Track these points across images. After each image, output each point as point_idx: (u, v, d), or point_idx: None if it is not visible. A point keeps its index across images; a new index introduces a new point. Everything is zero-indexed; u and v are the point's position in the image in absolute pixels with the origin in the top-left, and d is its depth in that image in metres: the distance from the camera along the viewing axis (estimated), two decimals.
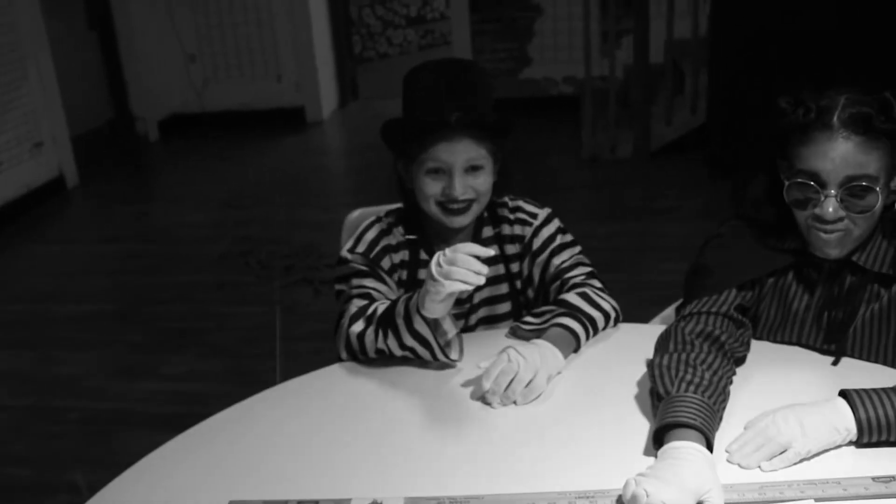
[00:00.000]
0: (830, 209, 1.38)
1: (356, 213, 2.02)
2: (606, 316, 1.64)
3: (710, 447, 1.20)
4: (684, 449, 1.17)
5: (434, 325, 1.51)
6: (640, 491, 1.09)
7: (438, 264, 1.39)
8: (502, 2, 6.36)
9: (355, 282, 1.65)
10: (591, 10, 5.19)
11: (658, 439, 1.23)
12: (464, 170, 1.59)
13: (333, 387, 1.56)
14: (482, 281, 1.37)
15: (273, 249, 4.25)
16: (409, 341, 1.51)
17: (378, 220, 1.73)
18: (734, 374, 1.39)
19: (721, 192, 4.50)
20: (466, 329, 1.77)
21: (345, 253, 1.69)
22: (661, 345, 1.42)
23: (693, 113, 5.29)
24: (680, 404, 1.24)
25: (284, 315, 3.62)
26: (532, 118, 6.21)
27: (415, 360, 1.58)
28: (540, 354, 1.48)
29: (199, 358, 3.31)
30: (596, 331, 1.62)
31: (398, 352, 1.54)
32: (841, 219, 1.39)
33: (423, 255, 1.71)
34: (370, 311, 1.57)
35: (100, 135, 6.22)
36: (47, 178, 5.31)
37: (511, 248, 1.75)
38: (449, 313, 1.52)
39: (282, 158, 5.95)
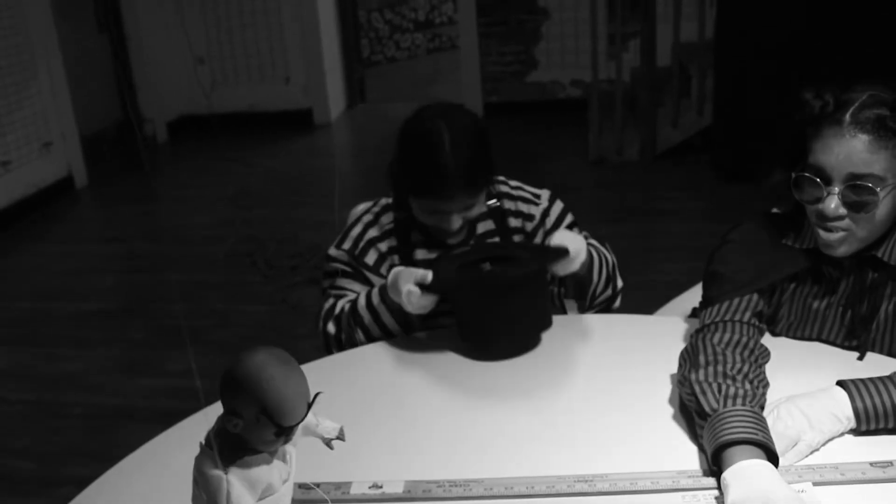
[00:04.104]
0: (832, 206, 1.36)
1: (360, 207, 2.03)
2: (615, 268, 1.75)
3: (773, 459, 1.14)
4: (755, 468, 1.12)
5: (398, 315, 1.63)
6: None
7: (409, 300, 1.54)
8: (509, 5, 6.37)
9: (338, 282, 1.73)
10: (597, 14, 5.19)
11: (716, 458, 1.17)
12: (460, 211, 1.66)
13: (333, 374, 1.57)
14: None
15: (279, 249, 4.26)
16: (376, 332, 1.65)
17: (366, 211, 1.79)
18: (767, 384, 1.34)
19: (726, 193, 4.50)
20: None
21: (331, 250, 1.75)
22: (690, 359, 1.35)
23: (699, 115, 5.29)
24: (732, 420, 1.18)
25: (289, 314, 3.63)
26: (539, 121, 6.23)
27: (413, 349, 1.61)
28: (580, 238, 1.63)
29: (201, 355, 3.32)
30: (607, 264, 1.72)
31: (366, 342, 1.66)
32: (842, 217, 1.37)
33: (417, 237, 1.76)
34: (337, 310, 1.68)
35: (108, 135, 6.24)
36: (56, 178, 5.34)
37: (514, 222, 1.79)
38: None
39: (289, 160, 5.97)
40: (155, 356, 3.32)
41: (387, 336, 1.66)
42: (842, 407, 1.24)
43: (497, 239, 1.78)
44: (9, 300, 3.98)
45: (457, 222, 1.65)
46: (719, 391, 1.25)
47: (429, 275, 1.53)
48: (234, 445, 0.96)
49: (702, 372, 1.30)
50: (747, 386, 1.26)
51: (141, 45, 6.28)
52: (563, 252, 1.54)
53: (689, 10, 5.23)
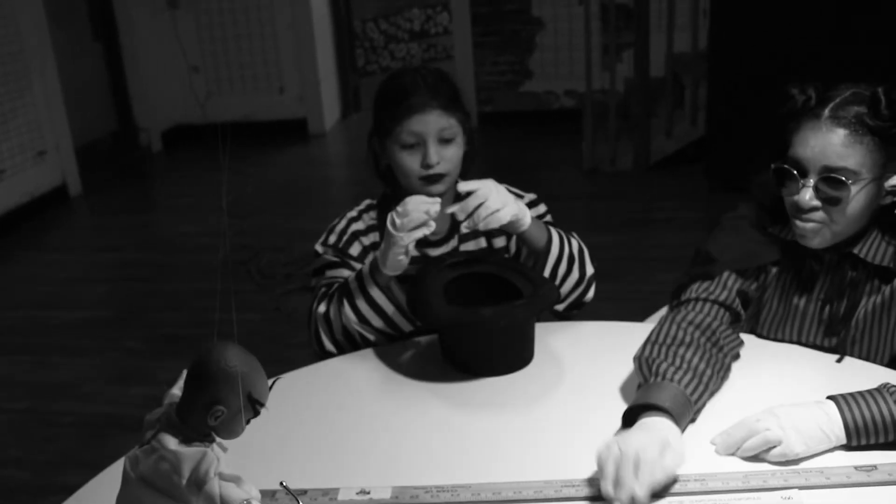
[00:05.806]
0: (806, 197, 1.40)
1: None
2: (582, 252, 1.72)
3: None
4: (655, 420, 1.21)
5: (388, 292, 1.62)
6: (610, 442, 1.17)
7: (392, 222, 1.53)
8: (504, 16, 6.40)
9: (328, 273, 1.74)
10: (591, 24, 5.22)
11: (628, 421, 1.27)
12: (437, 140, 1.65)
13: (321, 381, 1.57)
14: (434, 217, 1.53)
15: (273, 258, 4.26)
16: (364, 307, 1.62)
17: (351, 209, 1.81)
18: (727, 368, 1.39)
19: (720, 203, 4.50)
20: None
21: (317, 246, 1.77)
22: (652, 334, 1.41)
23: (693, 125, 5.31)
24: (656, 389, 1.27)
25: (283, 322, 3.63)
26: (533, 131, 6.25)
27: (401, 355, 1.60)
28: (510, 194, 1.61)
29: None
30: (570, 245, 1.69)
31: (354, 324, 1.63)
32: (816, 209, 1.40)
33: None
34: (332, 290, 1.68)
35: (103, 144, 6.24)
36: (50, 187, 5.33)
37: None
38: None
39: (284, 169, 5.97)
40: (148, 365, 3.32)
41: (373, 310, 1.63)
42: (832, 425, 1.23)
43: (482, 239, 1.78)
44: (2, 309, 3.98)
45: (434, 155, 1.63)
46: (658, 367, 1.31)
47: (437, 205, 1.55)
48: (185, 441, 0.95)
49: (655, 348, 1.36)
50: (692, 364, 1.32)
51: (136, 55, 6.29)
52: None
53: (683, 20, 5.26)
